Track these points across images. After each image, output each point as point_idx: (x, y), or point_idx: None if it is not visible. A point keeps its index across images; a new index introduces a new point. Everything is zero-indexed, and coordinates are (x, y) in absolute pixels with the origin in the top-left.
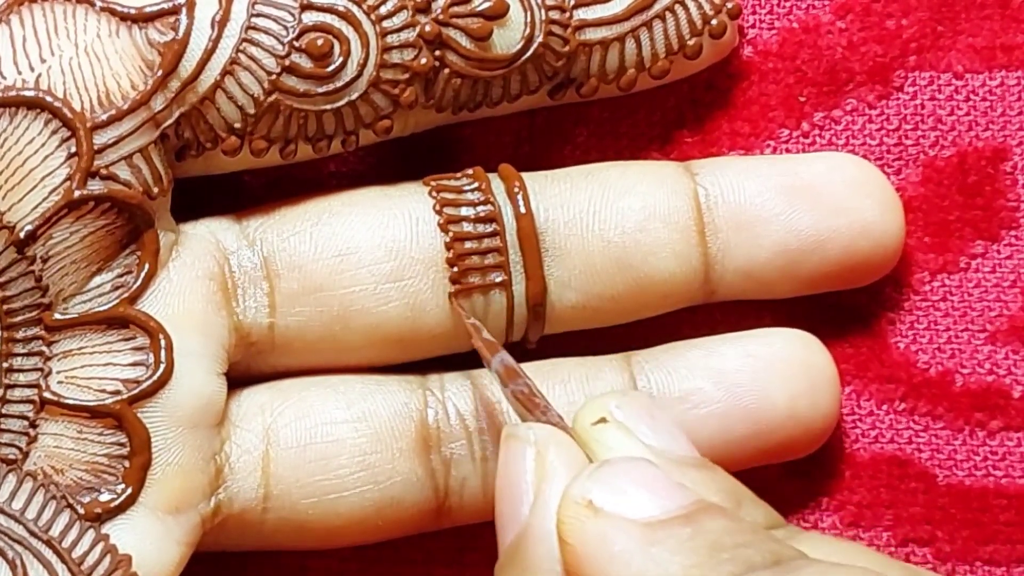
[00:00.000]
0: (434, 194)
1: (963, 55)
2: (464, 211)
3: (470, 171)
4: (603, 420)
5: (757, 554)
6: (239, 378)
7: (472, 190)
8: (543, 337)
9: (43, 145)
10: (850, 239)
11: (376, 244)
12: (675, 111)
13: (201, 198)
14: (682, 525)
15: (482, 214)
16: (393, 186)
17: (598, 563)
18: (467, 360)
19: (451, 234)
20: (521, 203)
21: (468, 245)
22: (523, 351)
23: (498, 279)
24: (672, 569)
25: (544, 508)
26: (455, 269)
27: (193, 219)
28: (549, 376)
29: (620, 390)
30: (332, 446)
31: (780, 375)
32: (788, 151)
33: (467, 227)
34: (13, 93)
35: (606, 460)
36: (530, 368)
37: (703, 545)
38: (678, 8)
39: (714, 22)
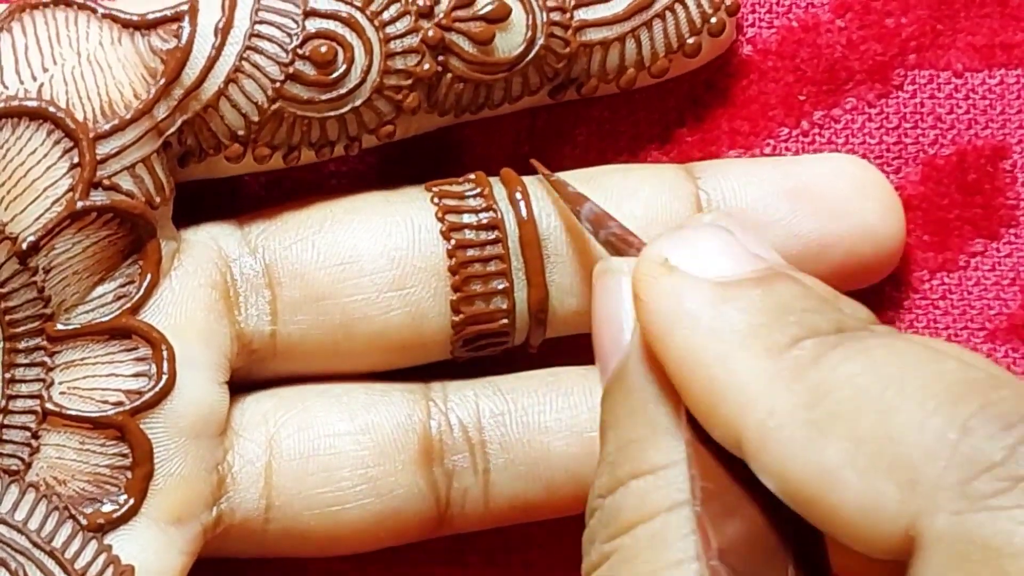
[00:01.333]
0: (436, 201)
1: (963, 53)
2: (466, 218)
3: (472, 176)
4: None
5: (823, 320)
6: (240, 384)
7: (474, 196)
8: (544, 340)
9: (46, 155)
10: (852, 242)
11: (378, 252)
12: (675, 110)
13: (202, 198)
14: (753, 287)
15: (484, 221)
16: (395, 192)
17: (668, 318)
18: (467, 365)
19: (453, 242)
20: (523, 209)
21: (470, 252)
22: (525, 355)
23: (500, 286)
24: (739, 326)
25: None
26: (457, 276)
27: (194, 220)
28: (552, 388)
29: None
30: (334, 458)
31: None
32: (788, 150)
33: (469, 234)
34: (16, 103)
35: (685, 224)
36: (531, 379)
37: (771, 306)
38: (677, 7)
39: (713, 20)
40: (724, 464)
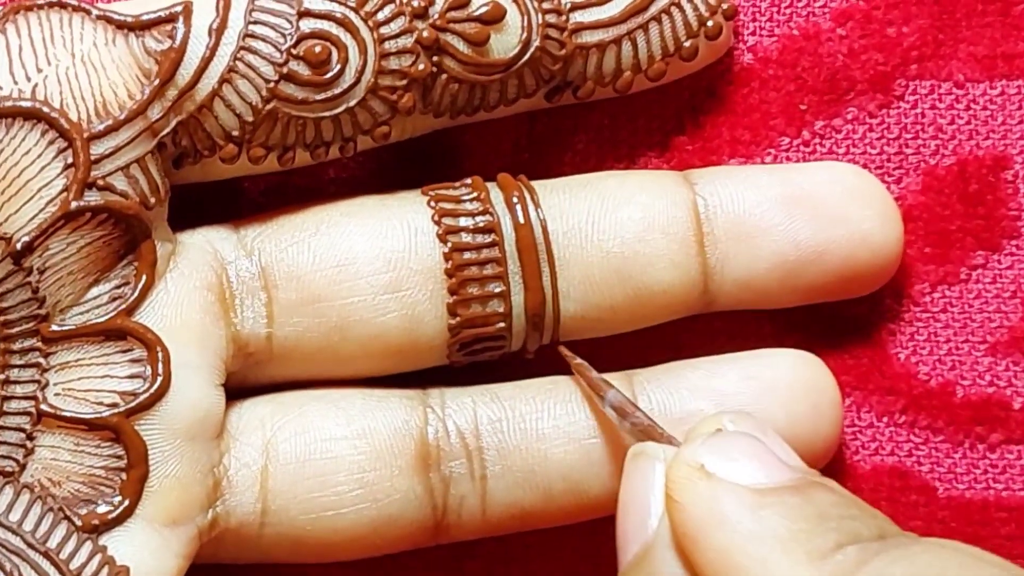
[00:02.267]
0: (432, 204)
1: (964, 64)
2: (463, 221)
3: (469, 180)
4: (719, 431)
5: (864, 527)
6: (236, 388)
7: (470, 199)
8: (541, 347)
9: (40, 156)
10: (849, 249)
11: (375, 255)
12: (675, 118)
13: (198, 204)
14: (791, 494)
15: (481, 224)
16: (392, 195)
17: (707, 523)
18: (465, 372)
19: (450, 245)
20: (520, 213)
21: (467, 256)
22: (521, 361)
23: (497, 289)
24: (780, 532)
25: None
26: (453, 279)
27: (190, 226)
28: (550, 395)
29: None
30: (331, 463)
31: (780, 398)
32: (788, 159)
33: (466, 237)
34: (10, 103)
35: (717, 431)
36: (529, 387)
37: (811, 513)
38: (674, 10)
39: (710, 23)
40: None
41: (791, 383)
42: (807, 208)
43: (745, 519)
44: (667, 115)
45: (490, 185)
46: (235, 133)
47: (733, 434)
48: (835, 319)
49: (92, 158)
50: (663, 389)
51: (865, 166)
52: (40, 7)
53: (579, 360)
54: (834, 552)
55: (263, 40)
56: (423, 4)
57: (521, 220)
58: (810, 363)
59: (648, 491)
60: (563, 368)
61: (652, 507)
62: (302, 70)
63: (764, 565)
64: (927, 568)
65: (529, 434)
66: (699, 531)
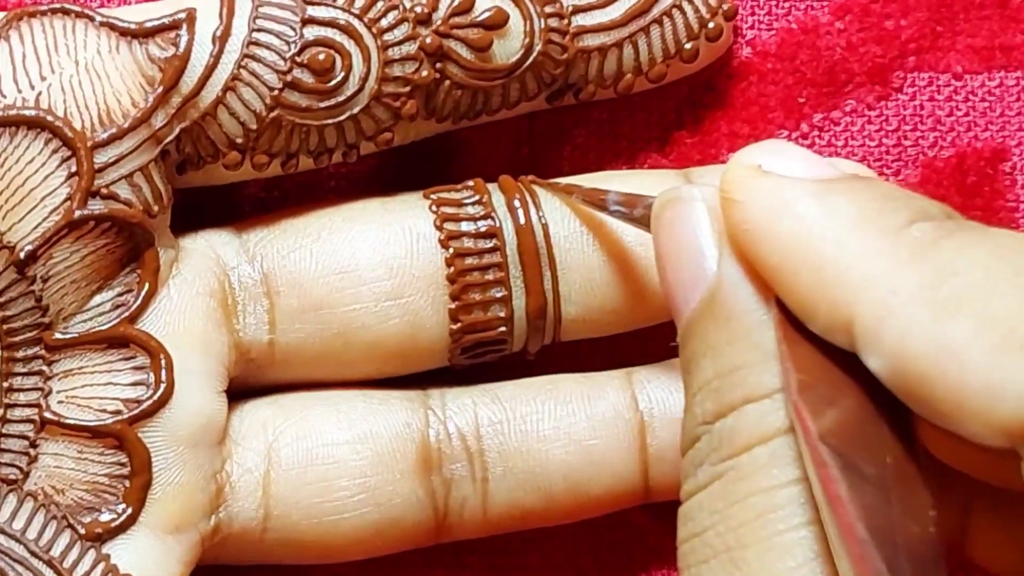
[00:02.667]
0: (434, 208)
1: (962, 56)
2: (464, 226)
3: (471, 183)
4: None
5: (932, 206)
6: (237, 392)
7: (472, 203)
8: (542, 347)
9: (43, 165)
10: None
11: (377, 262)
12: (674, 112)
13: (201, 206)
14: (852, 180)
15: (483, 229)
16: (393, 199)
17: (772, 215)
18: (466, 372)
19: (452, 250)
20: (521, 216)
21: (469, 261)
22: (523, 362)
23: (499, 294)
24: (850, 212)
25: (733, 257)
26: (455, 285)
27: (192, 228)
28: (550, 395)
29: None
30: (333, 468)
31: None
32: None
33: (468, 243)
34: (14, 112)
35: (769, 140)
36: (530, 387)
37: (878, 194)
38: (675, 12)
39: (711, 25)
40: (819, 357)
41: None
42: None
43: (811, 204)
44: (666, 110)
45: (491, 187)
46: (239, 140)
47: (778, 142)
48: None
49: (96, 167)
50: (663, 387)
51: (864, 159)
52: (43, 14)
53: (561, 182)
54: (908, 227)
55: (267, 48)
56: (426, 10)
57: (523, 223)
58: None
59: (696, 233)
60: (563, 368)
61: (706, 249)
62: (306, 78)
63: (837, 244)
64: (1011, 250)
65: (530, 435)
66: (764, 225)
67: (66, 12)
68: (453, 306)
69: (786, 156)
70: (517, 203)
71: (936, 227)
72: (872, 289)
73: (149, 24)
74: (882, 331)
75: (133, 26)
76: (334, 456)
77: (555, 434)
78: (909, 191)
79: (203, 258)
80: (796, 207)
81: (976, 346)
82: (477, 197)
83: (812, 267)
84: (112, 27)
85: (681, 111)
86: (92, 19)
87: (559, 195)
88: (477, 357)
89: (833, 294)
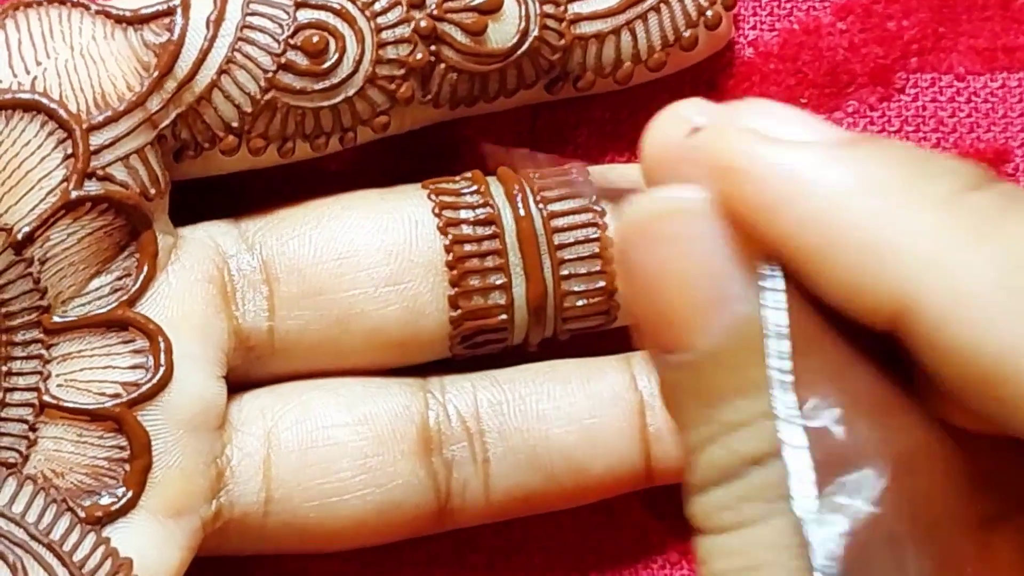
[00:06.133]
0: (433, 197)
1: (964, 57)
2: (463, 214)
3: (469, 174)
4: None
5: (971, 171)
6: (238, 382)
7: (471, 192)
8: (544, 342)
9: (40, 147)
10: None
11: (376, 247)
12: None
13: (200, 200)
14: (875, 142)
15: (481, 216)
16: (392, 189)
17: (793, 188)
18: (467, 363)
19: (451, 237)
20: (520, 205)
21: (468, 248)
22: (523, 356)
23: (498, 281)
24: (888, 180)
25: (767, 279)
26: (455, 271)
27: (192, 222)
28: (549, 378)
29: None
30: (333, 449)
31: None
32: None
33: (466, 230)
34: (9, 96)
35: (750, 99)
36: (528, 370)
37: (909, 159)
38: (673, 0)
39: (709, 13)
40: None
41: None
42: None
43: (840, 173)
44: None
45: (490, 179)
46: (234, 124)
47: (762, 100)
48: None
49: (91, 148)
50: None
51: None
52: (39, 3)
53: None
54: (963, 195)
55: (261, 31)
56: None
57: (522, 212)
58: None
59: (714, 253)
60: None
61: (730, 271)
62: (300, 60)
63: (880, 217)
64: None
65: (529, 416)
66: (788, 199)
67: (61, 1)
68: (452, 292)
69: (783, 116)
70: (516, 192)
71: (995, 197)
72: (942, 272)
73: (144, 11)
74: (955, 320)
75: (128, 13)
76: (334, 438)
77: (555, 413)
78: (937, 153)
79: (202, 246)
80: (821, 176)
81: None
82: (475, 187)
83: (853, 246)
84: (107, 14)
85: None
86: (87, 7)
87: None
88: (478, 347)
89: (884, 276)
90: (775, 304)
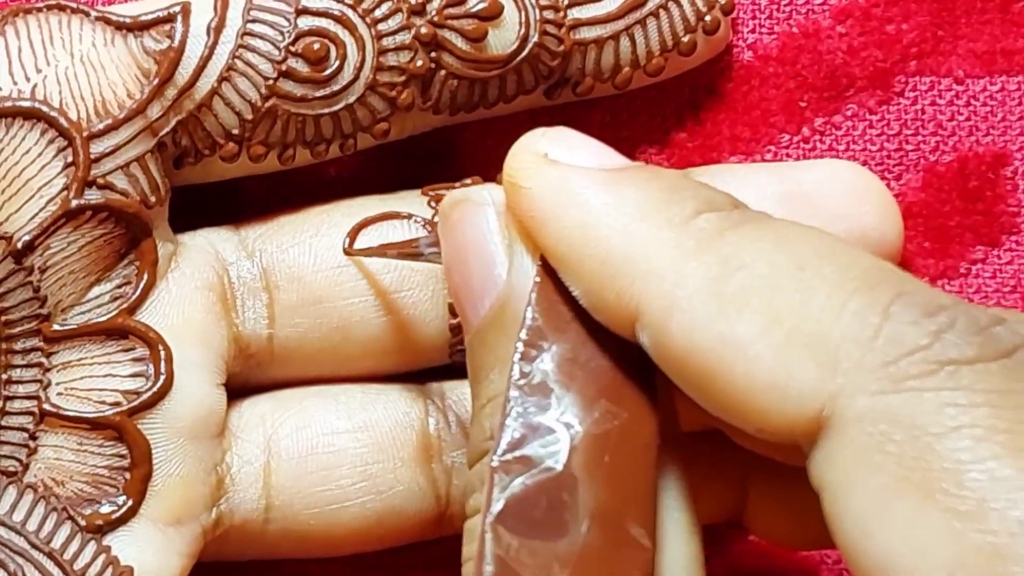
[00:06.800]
0: (432, 204)
1: (964, 60)
2: None
3: (468, 180)
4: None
5: (718, 197)
6: (238, 390)
7: None
8: None
9: (40, 155)
10: None
11: None
12: (675, 116)
13: (200, 207)
14: (639, 171)
15: None
16: (391, 195)
17: (560, 203)
18: (466, 369)
19: None
20: None
21: None
22: None
23: None
24: (637, 202)
25: (523, 266)
26: None
27: (192, 228)
28: None
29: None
30: (333, 456)
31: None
32: (788, 156)
33: None
34: (9, 103)
35: (554, 127)
36: None
37: (665, 185)
38: (671, 5)
39: (708, 18)
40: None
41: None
42: (806, 206)
43: (600, 194)
44: (668, 113)
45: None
46: (235, 131)
47: (563, 129)
48: None
49: (92, 156)
50: None
51: (865, 163)
52: (39, 10)
53: (374, 247)
54: (694, 218)
55: (261, 38)
56: (420, 1)
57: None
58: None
59: (487, 239)
60: None
61: (496, 256)
62: (301, 67)
63: (624, 235)
64: (796, 243)
65: None
66: (552, 213)
67: (61, 8)
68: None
69: (572, 144)
70: None
71: (722, 218)
72: (658, 281)
73: (144, 17)
74: (668, 324)
75: (128, 20)
76: (334, 445)
77: None
78: (698, 182)
79: (202, 253)
80: (583, 196)
81: (762, 343)
82: None
83: (599, 258)
84: (107, 21)
85: (682, 114)
86: (87, 14)
87: (374, 255)
88: None
89: (619, 285)
90: (527, 292)
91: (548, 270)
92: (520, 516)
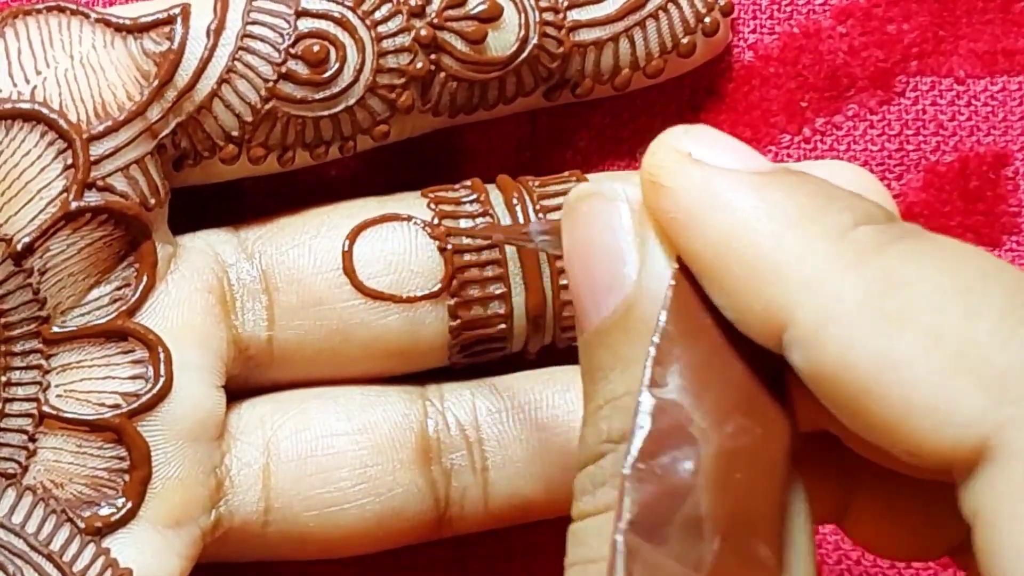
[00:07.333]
0: (433, 206)
1: (964, 60)
2: (463, 222)
3: (468, 183)
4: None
5: (874, 208)
6: (237, 391)
7: (470, 201)
8: (542, 348)
9: (39, 157)
10: None
11: (375, 257)
12: (676, 116)
13: (200, 208)
14: (790, 175)
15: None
16: (391, 197)
17: (705, 206)
18: (466, 371)
19: (450, 246)
20: (520, 214)
21: (467, 257)
22: (522, 363)
23: (498, 291)
24: (789, 209)
25: (655, 267)
26: (455, 281)
27: (192, 230)
28: (548, 384)
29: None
30: (332, 458)
31: None
32: (789, 157)
33: (466, 239)
34: (9, 105)
35: (697, 125)
36: (527, 378)
37: (819, 191)
38: (671, 7)
39: (707, 20)
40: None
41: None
42: None
43: (748, 198)
44: (668, 113)
45: (489, 187)
46: (234, 133)
47: (707, 128)
48: None
49: (92, 159)
50: None
51: (866, 163)
52: (39, 11)
53: (478, 225)
54: (852, 229)
55: (261, 40)
56: (420, 3)
57: (521, 221)
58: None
59: (617, 236)
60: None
61: (626, 254)
62: (300, 69)
63: (777, 242)
64: (959, 263)
65: (528, 424)
66: (696, 215)
67: (61, 9)
68: (452, 303)
69: (717, 144)
70: (515, 200)
71: (880, 231)
72: (814, 293)
73: (144, 19)
74: (822, 338)
75: (128, 21)
76: (333, 447)
77: (553, 422)
78: (851, 191)
79: (201, 255)
80: (730, 199)
81: (923, 365)
82: (475, 195)
83: (746, 264)
84: (107, 23)
85: (683, 114)
86: (87, 16)
87: (478, 237)
88: (476, 356)
89: (768, 294)
90: (662, 294)
91: (685, 273)
92: (651, 526)
